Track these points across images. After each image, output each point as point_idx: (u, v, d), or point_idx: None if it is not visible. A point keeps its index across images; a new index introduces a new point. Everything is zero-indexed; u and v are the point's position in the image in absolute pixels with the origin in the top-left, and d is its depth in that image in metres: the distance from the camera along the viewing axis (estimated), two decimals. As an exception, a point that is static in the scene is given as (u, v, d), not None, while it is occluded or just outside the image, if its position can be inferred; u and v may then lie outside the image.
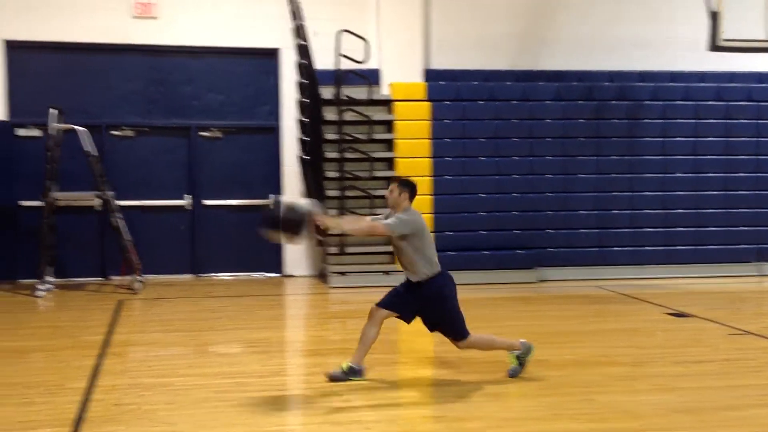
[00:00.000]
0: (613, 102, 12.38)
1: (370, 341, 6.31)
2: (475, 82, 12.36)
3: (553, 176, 12.11)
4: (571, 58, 12.96)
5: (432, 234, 11.42)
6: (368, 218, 6.56)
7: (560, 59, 12.96)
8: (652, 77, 12.89)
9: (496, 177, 11.97)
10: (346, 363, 6.32)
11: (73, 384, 6.23)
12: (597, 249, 12.07)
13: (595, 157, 12.26)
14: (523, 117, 12.19)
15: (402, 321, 6.36)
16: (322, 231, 6.39)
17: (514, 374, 6.44)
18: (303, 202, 6.41)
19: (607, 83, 12.65)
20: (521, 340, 6.49)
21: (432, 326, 6.36)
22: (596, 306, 10.03)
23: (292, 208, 5.89)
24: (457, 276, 12.57)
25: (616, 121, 12.36)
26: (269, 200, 6.01)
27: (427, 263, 6.24)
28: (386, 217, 6.28)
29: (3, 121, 11.35)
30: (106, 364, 6.91)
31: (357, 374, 6.29)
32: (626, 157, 12.32)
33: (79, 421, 5.36)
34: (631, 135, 12.36)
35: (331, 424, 5.36)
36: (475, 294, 10.59)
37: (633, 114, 12.39)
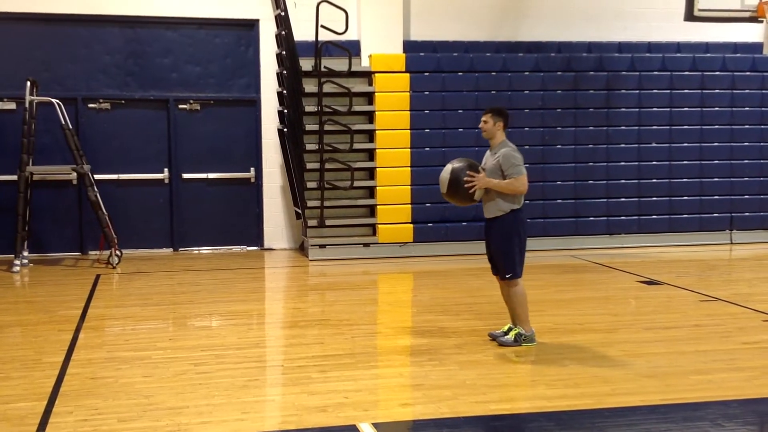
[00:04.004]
0: (591, 73, 12.40)
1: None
2: (455, 54, 12.33)
3: (531, 147, 12.10)
4: (551, 29, 12.96)
5: (410, 206, 11.64)
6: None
7: (540, 30, 12.94)
8: (629, 48, 12.91)
9: (476, 149, 11.95)
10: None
11: (49, 358, 6.26)
12: (573, 219, 12.16)
13: (572, 128, 12.30)
14: (502, 88, 12.17)
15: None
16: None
17: (504, 344, 6.59)
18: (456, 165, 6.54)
19: (585, 54, 12.66)
20: (533, 329, 6.69)
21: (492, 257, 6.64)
22: (571, 275, 10.13)
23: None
24: (434, 247, 12.54)
25: (594, 91, 12.38)
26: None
27: (516, 197, 6.49)
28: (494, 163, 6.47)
29: (-23, 95, 11.23)
30: (83, 338, 6.94)
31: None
32: (603, 128, 12.37)
33: (55, 395, 5.40)
34: (608, 106, 12.39)
35: (309, 394, 5.42)
36: (451, 265, 10.71)
37: (610, 85, 12.42)
